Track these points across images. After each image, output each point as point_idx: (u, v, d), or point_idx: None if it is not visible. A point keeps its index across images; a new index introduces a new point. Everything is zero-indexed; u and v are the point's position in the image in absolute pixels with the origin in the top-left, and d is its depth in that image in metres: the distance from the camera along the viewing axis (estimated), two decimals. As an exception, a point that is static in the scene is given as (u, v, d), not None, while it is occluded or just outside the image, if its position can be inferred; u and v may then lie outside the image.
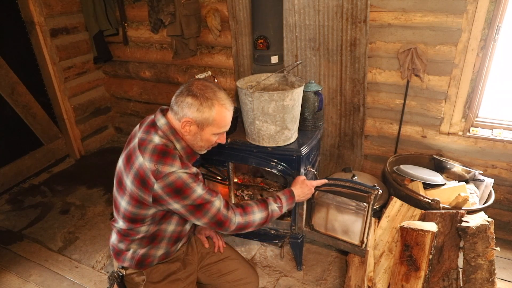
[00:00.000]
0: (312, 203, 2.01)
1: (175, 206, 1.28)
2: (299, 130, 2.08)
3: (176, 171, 1.24)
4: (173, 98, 1.32)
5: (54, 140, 3.51)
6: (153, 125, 1.33)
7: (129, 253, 1.44)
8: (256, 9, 2.21)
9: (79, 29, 3.39)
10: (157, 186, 1.23)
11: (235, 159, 2.13)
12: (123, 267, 1.48)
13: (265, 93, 1.80)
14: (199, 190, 1.29)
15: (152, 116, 1.38)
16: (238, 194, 2.48)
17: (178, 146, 1.34)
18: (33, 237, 2.62)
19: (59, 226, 2.73)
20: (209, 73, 2.51)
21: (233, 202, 2.30)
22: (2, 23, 2.91)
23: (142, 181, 1.25)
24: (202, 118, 1.29)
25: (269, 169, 2.05)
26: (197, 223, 1.35)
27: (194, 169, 1.31)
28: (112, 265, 1.53)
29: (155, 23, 3.04)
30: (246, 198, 2.46)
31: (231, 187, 2.24)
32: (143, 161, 1.25)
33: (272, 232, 2.26)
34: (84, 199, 3.04)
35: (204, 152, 1.44)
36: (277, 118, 1.86)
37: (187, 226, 1.53)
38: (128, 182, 1.30)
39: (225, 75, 3.08)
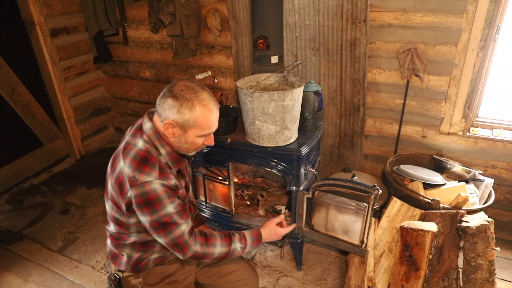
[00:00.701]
0: (312, 203, 2.01)
1: (142, 218, 1.26)
2: (299, 130, 2.08)
3: (152, 181, 1.21)
4: (157, 100, 1.28)
5: (54, 140, 3.51)
6: (140, 129, 1.31)
7: (124, 257, 1.43)
8: (256, 9, 2.21)
9: (79, 29, 3.39)
10: (130, 194, 1.22)
11: (235, 159, 2.13)
12: (119, 270, 1.48)
13: (265, 93, 1.80)
14: (169, 208, 1.25)
15: (141, 119, 1.36)
16: (238, 194, 2.49)
17: (163, 151, 1.29)
18: (33, 237, 2.62)
19: (59, 226, 2.73)
20: (209, 73, 2.52)
21: (233, 202, 2.30)
22: (2, 23, 2.92)
23: (120, 186, 1.25)
24: (183, 120, 1.23)
25: (269, 169, 2.05)
26: (158, 239, 1.31)
27: (173, 181, 1.27)
28: (111, 266, 1.54)
29: (155, 23, 3.04)
30: (246, 198, 2.46)
31: (231, 187, 2.24)
32: (123, 166, 1.24)
33: (272, 232, 2.25)
34: (84, 199, 3.04)
35: (193, 153, 1.39)
36: (277, 118, 1.86)
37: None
38: (110, 185, 1.30)
39: (225, 75, 3.08)
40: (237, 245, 1.41)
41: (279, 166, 2.01)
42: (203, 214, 2.46)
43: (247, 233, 1.48)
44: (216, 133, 2.08)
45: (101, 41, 3.38)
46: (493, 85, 2.49)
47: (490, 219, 1.83)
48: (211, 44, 3.04)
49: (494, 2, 2.05)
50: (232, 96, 3.07)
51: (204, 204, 2.45)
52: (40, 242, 2.57)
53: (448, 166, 2.42)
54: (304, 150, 1.96)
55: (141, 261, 1.44)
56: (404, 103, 2.50)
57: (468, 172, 2.34)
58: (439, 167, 2.45)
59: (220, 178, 2.27)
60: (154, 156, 1.26)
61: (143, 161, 1.23)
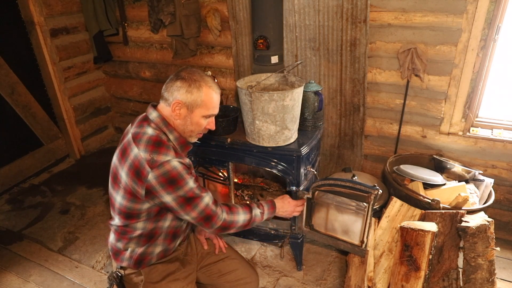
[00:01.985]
0: (312, 203, 2.01)
1: (167, 198, 1.29)
2: (299, 130, 2.08)
3: (171, 160, 1.27)
4: (163, 87, 1.37)
5: (54, 140, 3.51)
6: (146, 119, 1.38)
7: (127, 253, 1.44)
8: (256, 9, 2.21)
9: (79, 29, 3.39)
10: (151, 176, 1.25)
11: (235, 159, 2.13)
12: (121, 267, 1.48)
13: (265, 93, 1.80)
14: (191, 183, 1.32)
15: (144, 113, 1.42)
16: (238, 194, 2.49)
17: (171, 137, 1.37)
18: (33, 237, 2.62)
19: (59, 226, 2.73)
20: (209, 73, 2.52)
21: (233, 202, 2.30)
22: (2, 23, 2.92)
23: (136, 171, 1.27)
24: (191, 99, 1.33)
25: (269, 169, 2.05)
26: (186, 217, 1.36)
27: (187, 160, 1.35)
28: (112, 265, 1.54)
29: (155, 23, 3.04)
30: (246, 198, 2.46)
31: (231, 187, 2.24)
32: (138, 152, 1.28)
33: (272, 232, 2.26)
34: (84, 199, 3.04)
35: (195, 140, 1.46)
36: (277, 118, 1.86)
37: (184, 223, 1.53)
38: (123, 174, 1.31)
39: (225, 75, 3.08)
40: (257, 211, 1.52)
41: (279, 166, 2.01)
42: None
43: (262, 201, 1.60)
44: (216, 133, 2.11)
45: (101, 41, 3.38)
46: (493, 85, 2.49)
47: (490, 219, 1.83)
48: (211, 44, 3.04)
49: (494, 2, 2.05)
50: (232, 96, 3.07)
51: (204, 204, 2.45)
52: (40, 242, 2.57)
53: (448, 166, 2.42)
54: (304, 150, 1.96)
55: (144, 256, 1.44)
56: (404, 103, 2.50)
57: (468, 172, 2.34)
58: (439, 167, 2.45)
59: (220, 178, 2.27)
60: (165, 140, 1.33)
61: (157, 144, 1.29)
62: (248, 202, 1.57)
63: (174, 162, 1.27)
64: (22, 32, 3.05)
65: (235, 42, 2.80)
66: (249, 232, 2.31)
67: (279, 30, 2.29)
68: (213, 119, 1.44)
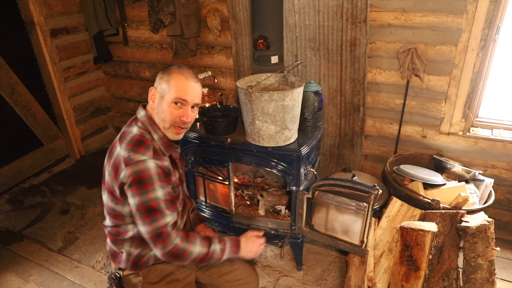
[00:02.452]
0: (312, 203, 2.01)
1: (131, 200, 1.27)
2: (299, 130, 2.07)
3: (147, 159, 1.26)
4: None
5: (54, 140, 3.51)
6: (135, 119, 1.40)
7: (124, 255, 1.44)
8: (256, 9, 2.21)
9: (79, 29, 3.39)
10: (123, 173, 1.25)
11: (235, 159, 2.13)
12: (120, 269, 1.48)
13: (265, 93, 1.80)
14: (159, 192, 1.26)
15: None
16: (238, 194, 2.49)
17: (155, 136, 1.36)
18: (33, 237, 2.62)
19: (59, 226, 2.73)
20: (209, 73, 2.52)
21: (233, 202, 2.30)
22: (2, 23, 2.91)
23: (115, 169, 1.28)
24: (162, 86, 1.34)
25: (269, 169, 2.05)
26: (140, 228, 1.30)
27: (166, 163, 1.32)
28: (111, 265, 1.54)
29: (155, 23, 3.04)
30: (246, 198, 2.46)
31: (231, 187, 2.24)
32: (119, 150, 1.29)
33: (272, 232, 2.26)
34: (84, 199, 3.04)
35: (174, 135, 1.38)
36: (277, 118, 1.86)
37: (179, 224, 1.52)
38: (107, 173, 1.33)
39: (225, 75, 3.08)
40: (216, 246, 1.38)
41: (279, 166, 2.01)
42: (203, 214, 2.46)
43: (226, 237, 1.46)
44: (216, 133, 2.11)
45: (101, 41, 3.38)
46: (493, 85, 2.49)
47: (490, 219, 1.83)
48: (211, 44, 3.04)
49: (494, 2, 2.05)
50: (232, 96, 3.07)
51: (204, 204, 2.45)
52: (40, 242, 2.57)
53: (448, 166, 2.42)
54: (304, 150, 1.96)
55: (141, 258, 1.44)
56: (404, 103, 2.49)
57: (468, 172, 2.34)
58: (439, 167, 2.45)
59: (220, 178, 2.27)
60: (148, 139, 1.33)
61: (138, 143, 1.29)
62: (210, 236, 1.44)
63: (150, 163, 1.25)
64: (22, 32, 3.05)
65: (235, 42, 2.80)
66: (249, 232, 2.31)
67: (279, 30, 2.29)
68: (187, 109, 1.36)
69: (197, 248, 1.34)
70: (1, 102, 3.00)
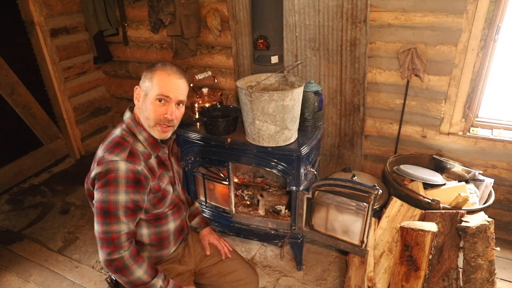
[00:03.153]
0: (312, 203, 2.01)
1: (94, 196, 1.27)
2: (299, 130, 2.08)
3: (118, 160, 1.24)
4: None
5: (54, 140, 3.51)
6: (122, 120, 1.40)
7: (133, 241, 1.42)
8: (256, 9, 2.21)
9: (79, 29, 3.38)
10: (94, 172, 1.26)
11: (235, 159, 2.13)
12: None
13: (265, 93, 1.80)
14: (120, 197, 1.23)
15: None
16: (238, 194, 2.49)
17: (141, 137, 1.35)
18: (33, 237, 2.62)
19: (59, 226, 2.73)
20: (209, 73, 2.52)
21: (233, 202, 2.30)
22: (2, 23, 2.91)
23: (91, 169, 1.30)
24: (145, 83, 1.33)
25: (269, 169, 2.05)
26: (95, 227, 1.26)
27: (140, 168, 1.27)
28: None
29: (155, 23, 3.04)
30: (246, 198, 2.46)
31: (231, 187, 2.24)
32: (98, 151, 1.31)
33: (272, 232, 2.26)
34: (84, 199, 3.04)
35: (159, 133, 1.35)
36: (277, 118, 1.86)
37: (170, 227, 1.47)
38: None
39: (225, 75, 3.08)
40: (159, 281, 1.32)
41: (279, 166, 2.01)
42: (204, 215, 2.46)
43: (172, 280, 1.40)
44: (216, 133, 2.11)
45: (101, 41, 3.37)
46: (493, 85, 2.49)
47: (490, 219, 1.83)
48: (211, 44, 3.04)
49: (494, 2, 2.05)
50: (232, 96, 3.07)
51: (204, 204, 2.45)
52: (40, 242, 2.57)
53: (448, 166, 2.42)
54: (304, 150, 1.96)
55: None
56: (404, 103, 2.50)
57: (468, 172, 2.34)
58: (439, 167, 2.45)
59: (220, 178, 2.27)
60: (128, 141, 1.31)
61: (115, 144, 1.30)
62: (159, 270, 1.36)
63: (120, 164, 1.23)
64: (22, 32, 3.05)
65: (235, 42, 2.80)
66: (249, 232, 2.31)
67: (279, 30, 2.29)
68: (171, 106, 1.33)
69: (139, 272, 1.28)
70: (1, 102, 3.00)
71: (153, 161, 1.37)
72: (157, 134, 1.36)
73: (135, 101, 1.38)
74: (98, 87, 3.78)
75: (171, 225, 1.48)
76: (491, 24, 2.10)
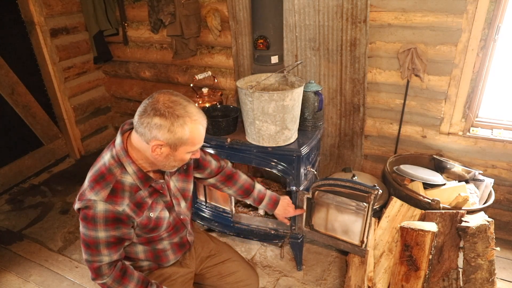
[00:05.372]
0: (312, 203, 2.01)
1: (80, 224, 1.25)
2: (299, 130, 2.08)
3: (97, 201, 1.17)
4: (136, 117, 1.17)
5: (54, 140, 3.51)
6: (114, 142, 1.27)
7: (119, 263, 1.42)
8: (256, 9, 2.21)
9: (79, 29, 3.38)
10: (76, 205, 1.23)
11: (235, 159, 2.13)
12: None
13: (265, 93, 1.79)
14: (100, 234, 1.20)
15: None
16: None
17: (129, 170, 1.22)
18: (33, 237, 2.62)
19: (59, 226, 2.73)
20: (209, 73, 2.52)
21: (233, 202, 2.30)
22: (2, 23, 2.91)
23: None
24: (175, 138, 1.14)
25: (269, 169, 2.05)
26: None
27: (121, 208, 1.20)
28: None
29: (155, 23, 3.04)
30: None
31: (231, 187, 2.23)
32: (87, 176, 1.26)
33: (272, 232, 2.26)
34: (84, 199, 3.04)
35: (174, 169, 1.30)
36: (277, 118, 1.86)
37: (166, 246, 1.45)
38: None
39: (225, 75, 3.08)
40: None
41: (279, 166, 2.01)
42: (203, 214, 2.46)
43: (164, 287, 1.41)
44: (216, 133, 2.10)
45: (101, 41, 3.37)
46: (493, 85, 2.49)
47: (490, 219, 1.83)
48: (211, 44, 3.04)
49: (494, 2, 2.05)
50: (232, 96, 3.07)
51: (204, 204, 2.45)
52: (40, 242, 2.57)
53: (448, 166, 2.42)
54: (304, 150, 1.96)
55: (135, 269, 1.41)
56: (404, 103, 2.49)
57: (468, 172, 2.34)
58: (439, 167, 2.45)
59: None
60: (114, 174, 1.21)
61: (99, 178, 1.21)
62: (150, 283, 1.36)
63: (98, 205, 1.17)
64: (22, 32, 3.05)
65: (235, 42, 2.80)
66: (249, 232, 2.31)
67: (279, 30, 2.29)
68: (198, 150, 1.28)
69: None
70: (1, 102, 3.00)
71: (143, 192, 1.27)
72: (171, 170, 1.32)
73: (153, 153, 1.18)
74: (98, 87, 3.79)
75: (166, 243, 1.45)
76: (491, 24, 2.10)
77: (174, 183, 1.42)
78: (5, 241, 2.59)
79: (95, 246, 1.23)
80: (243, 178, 1.74)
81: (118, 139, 1.24)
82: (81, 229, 1.23)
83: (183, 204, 1.46)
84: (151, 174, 1.30)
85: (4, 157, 3.12)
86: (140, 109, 1.17)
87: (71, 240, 2.59)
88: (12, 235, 2.65)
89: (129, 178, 1.23)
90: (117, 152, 1.23)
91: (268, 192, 1.80)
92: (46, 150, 3.45)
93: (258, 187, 1.78)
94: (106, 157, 1.25)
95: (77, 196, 1.23)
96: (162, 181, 1.33)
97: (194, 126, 1.17)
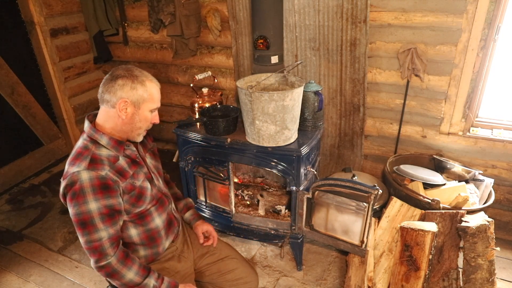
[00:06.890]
0: (312, 203, 2.01)
1: (69, 210, 1.26)
2: (299, 130, 2.08)
3: (80, 171, 1.22)
4: (100, 89, 1.31)
5: (54, 140, 3.51)
6: (83, 131, 1.36)
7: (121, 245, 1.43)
8: (256, 9, 2.21)
9: (79, 29, 3.39)
10: (61, 187, 1.26)
11: (235, 159, 2.13)
12: None
13: (265, 93, 1.80)
14: (91, 205, 1.22)
15: None
16: (238, 194, 2.49)
17: (103, 141, 1.31)
18: (33, 237, 2.62)
19: (59, 226, 2.73)
20: (209, 73, 2.52)
21: (233, 202, 2.30)
22: (2, 23, 2.91)
23: None
24: (138, 95, 1.29)
25: (269, 169, 2.05)
26: (79, 238, 1.29)
27: (104, 172, 1.25)
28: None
29: (155, 23, 3.04)
30: (246, 198, 2.46)
31: (231, 187, 2.24)
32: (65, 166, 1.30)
33: (272, 232, 2.26)
34: (84, 199, 3.04)
35: (141, 138, 1.40)
36: (277, 118, 1.86)
37: (157, 222, 1.46)
38: None
39: (225, 75, 3.08)
40: (151, 280, 1.34)
41: (279, 166, 2.01)
42: (203, 214, 2.46)
43: (166, 277, 1.41)
44: (216, 133, 2.11)
45: (101, 41, 3.38)
46: (493, 85, 2.49)
47: (490, 219, 1.83)
48: (211, 44, 3.04)
49: (494, 2, 2.05)
50: (232, 96, 3.07)
51: (204, 204, 2.45)
52: (40, 242, 2.57)
53: (448, 166, 2.42)
54: (304, 150, 1.96)
55: None
56: (404, 103, 2.50)
57: (468, 172, 2.34)
58: (439, 167, 2.45)
59: (220, 178, 2.26)
60: (89, 149, 1.28)
61: (76, 156, 1.27)
62: (151, 269, 1.37)
63: (82, 174, 1.21)
64: (22, 32, 3.05)
65: (235, 42, 2.80)
66: (249, 232, 2.31)
67: (279, 30, 2.29)
68: (156, 112, 1.40)
69: (130, 274, 1.31)
70: (1, 102, 3.00)
71: (122, 162, 1.33)
72: (138, 138, 1.39)
73: (120, 113, 1.29)
74: (98, 87, 3.76)
75: (158, 220, 1.47)
76: (491, 24, 2.10)
77: (149, 160, 1.51)
78: (5, 241, 2.59)
79: (90, 221, 1.24)
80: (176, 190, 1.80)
81: (86, 123, 1.34)
82: (72, 210, 1.24)
83: (160, 180, 1.55)
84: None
85: (4, 157, 3.12)
86: (102, 81, 1.32)
87: (71, 240, 2.59)
88: (12, 235, 2.65)
89: (104, 151, 1.30)
90: (88, 132, 1.32)
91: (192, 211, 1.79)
92: (46, 150, 3.45)
93: (189, 199, 1.82)
94: (79, 142, 1.33)
95: (61, 179, 1.27)
96: (134, 149, 1.42)
97: (151, 84, 1.33)
